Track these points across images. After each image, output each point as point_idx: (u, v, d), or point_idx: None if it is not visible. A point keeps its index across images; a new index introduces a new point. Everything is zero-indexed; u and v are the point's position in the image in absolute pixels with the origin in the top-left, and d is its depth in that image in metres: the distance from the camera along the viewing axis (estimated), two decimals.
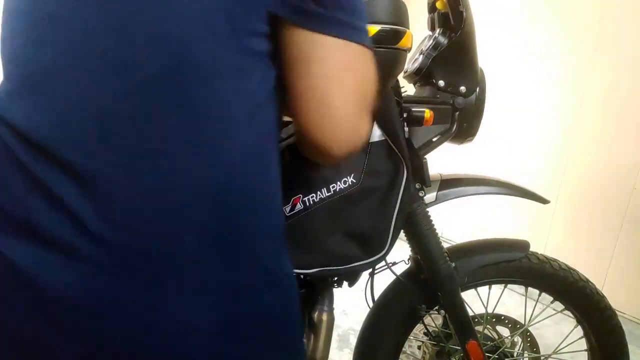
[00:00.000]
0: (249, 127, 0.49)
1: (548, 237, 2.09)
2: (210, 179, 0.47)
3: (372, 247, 0.90)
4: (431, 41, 1.01)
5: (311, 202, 0.88)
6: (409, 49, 0.73)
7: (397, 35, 0.67)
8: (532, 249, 1.16)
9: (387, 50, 0.67)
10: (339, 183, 0.88)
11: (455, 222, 2.48)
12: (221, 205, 0.48)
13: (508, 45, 2.06)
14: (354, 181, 0.89)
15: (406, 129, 0.94)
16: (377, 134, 0.90)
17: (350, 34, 0.49)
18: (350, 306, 2.02)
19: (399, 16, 0.67)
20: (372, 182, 0.89)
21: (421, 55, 1.02)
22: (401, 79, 1.11)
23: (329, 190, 0.88)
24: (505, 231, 2.24)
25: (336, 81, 0.49)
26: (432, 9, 1.03)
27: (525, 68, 2.03)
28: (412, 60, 1.08)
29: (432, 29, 1.05)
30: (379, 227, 0.89)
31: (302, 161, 0.91)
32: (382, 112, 0.89)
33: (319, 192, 0.88)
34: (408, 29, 0.69)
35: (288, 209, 0.88)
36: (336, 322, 1.92)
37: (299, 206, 0.88)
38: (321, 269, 0.90)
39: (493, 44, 2.11)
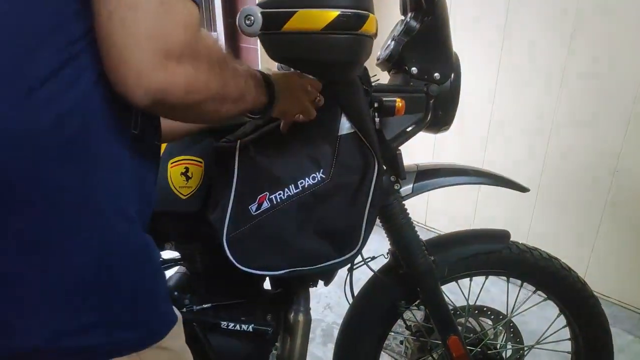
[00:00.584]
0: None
1: (531, 223, 2.07)
2: None
3: (344, 245, 0.86)
4: (402, 26, 0.96)
5: (278, 200, 0.83)
6: (374, 35, 0.67)
7: (359, 20, 0.61)
8: (515, 236, 1.13)
9: (348, 36, 0.62)
10: (307, 179, 0.83)
11: (437, 210, 2.46)
12: None
13: (484, 27, 2.02)
14: (323, 177, 0.84)
15: (377, 119, 0.89)
16: (345, 127, 0.86)
17: None
18: (334, 300, 1.99)
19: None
20: (343, 177, 0.84)
21: (393, 42, 0.97)
22: (374, 66, 1.06)
23: (297, 187, 0.83)
24: (488, 218, 2.23)
25: (117, 20, 0.45)
26: None
27: (502, 51, 1.99)
28: (384, 47, 1.03)
29: (404, 13, 1.00)
30: (351, 224, 0.85)
31: (270, 158, 0.86)
32: (349, 102, 0.85)
33: (286, 189, 0.83)
34: (372, 12, 0.64)
35: (254, 207, 0.83)
36: (320, 316, 1.91)
37: (265, 205, 0.83)
38: (290, 270, 0.85)
39: (467, 26, 2.07)
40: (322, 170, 0.84)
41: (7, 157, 0.45)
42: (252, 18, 0.61)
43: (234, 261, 0.83)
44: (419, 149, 2.37)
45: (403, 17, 0.99)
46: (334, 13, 0.60)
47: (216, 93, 0.55)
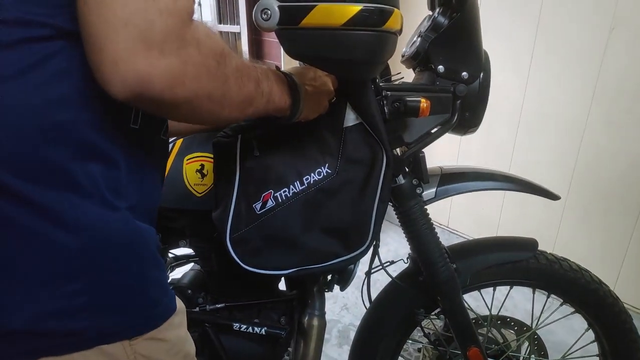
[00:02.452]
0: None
1: (558, 231, 1.99)
2: None
3: (353, 242, 0.82)
4: (430, 22, 0.91)
5: (284, 198, 0.80)
6: (399, 31, 0.63)
7: (383, 16, 0.57)
8: (542, 244, 1.07)
9: (371, 33, 0.58)
10: (313, 175, 0.80)
11: (461, 212, 2.39)
12: None
13: (517, 26, 1.94)
14: (329, 171, 0.80)
15: (386, 109, 0.84)
16: (351, 118, 0.81)
17: None
18: (351, 301, 1.96)
19: None
20: (349, 172, 0.81)
21: (419, 38, 0.92)
22: (398, 63, 1.02)
23: (302, 184, 0.80)
24: (513, 222, 2.15)
25: (93, 5, 0.42)
26: None
27: (534, 51, 1.91)
28: (410, 43, 0.99)
29: (432, 8, 0.95)
30: (359, 220, 0.81)
31: (273, 154, 0.83)
32: (354, 92, 0.80)
33: (291, 186, 0.80)
34: (397, 7, 0.60)
35: (259, 206, 0.80)
36: (336, 317, 1.88)
37: (270, 203, 0.80)
38: (298, 269, 0.82)
39: (500, 23, 1.99)
40: (327, 164, 0.80)
41: None
42: (269, 12, 0.58)
43: (238, 261, 0.81)
44: (443, 151, 2.31)
45: (431, 13, 0.94)
46: (355, 8, 0.56)
47: (210, 91, 0.51)
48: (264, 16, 0.58)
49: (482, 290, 1.09)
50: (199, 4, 3.19)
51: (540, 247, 1.07)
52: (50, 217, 0.47)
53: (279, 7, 0.58)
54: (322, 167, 0.80)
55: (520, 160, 2.07)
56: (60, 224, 0.48)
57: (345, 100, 0.82)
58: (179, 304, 0.63)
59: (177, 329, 0.62)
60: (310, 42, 0.59)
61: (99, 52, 0.43)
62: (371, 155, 0.82)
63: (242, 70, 0.56)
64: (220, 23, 3.15)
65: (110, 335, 0.53)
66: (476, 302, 1.14)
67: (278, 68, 0.72)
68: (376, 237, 0.84)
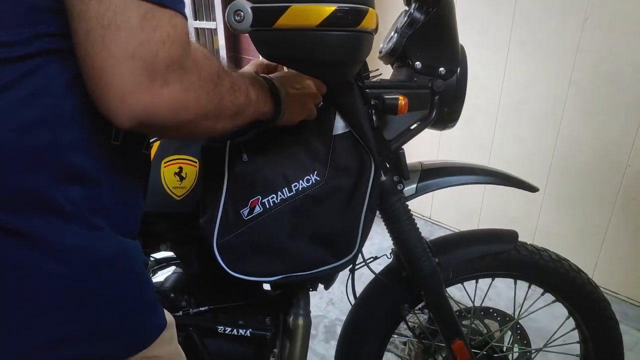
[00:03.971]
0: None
1: (538, 221, 2.02)
2: None
3: (341, 250, 0.82)
4: (406, 17, 0.91)
5: (271, 204, 0.79)
6: (374, 30, 0.63)
7: (358, 16, 0.57)
8: (522, 233, 1.09)
9: (347, 33, 0.57)
10: (301, 181, 0.79)
11: (443, 204, 2.41)
12: None
13: (493, 18, 1.95)
14: (318, 179, 0.80)
15: (374, 117, 0.84)
16: (340, 126, 0.81)
17: None
18: (337, 296, 1.96)
19: None
20: (338, 179, 0.80)
21: (396, 34, 0.92)
22: (376, 60, 1.01)
23: (290, 190, 0.79)
24: (496, 212, 2.18)
25: (96, 39, 0.42)
26: None
27: (510, 43, 1.93)
28: (387, 39, 0.98)
29: (408, 4, 0.94)
30: (347, 228, 0.81)
31: (261, 160, 0.82)
32: (343, 100, 0.80)
33: (279, 193, 0.79)
34: (371, 7, 0.59)
35: (246, 212, 0.79)
36: (322, 312, 1.89)
37: (257, 209, 0.79)
38: (285, 275, 0.82)
39: (476, 16, 2.00)
40: (316, 172, 0.80)
41: None
42: (242, 13, 0.57)
43: (225, 267, 0.80)
44: (423, 146, 2.32)
45: (407, 8, 0.94)
46: (330, 8, 0.55)
47: (209, 111, 0.52)
48: (237, 18, 0.57)
49: (465, 283, 1.11)
50: None
51: (521, 237, 1.08)
52: (34, 245, 0.46)
53: (252, 8, 0.57)
54: (311, 175, 0.80)
55: (500, 153, 2.10)
56: (45, 252, 0.46)
57: (334, 108, 0.82)
58: (168, 317, 0.62)
59: (168, 345, 0.61)
60: (284, 43, 0.58)
61: (105, 85, 0.43)
62: (360, 164, 0.82)
63: (234, 85, 0.57)
64: (196, 19, 3.11)
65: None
66: (460, 292, 1.15)
67: (257, 73, 0.72)
68: (363, 244, 0.84)
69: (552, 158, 1.92)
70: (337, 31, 0.57)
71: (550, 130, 1.90)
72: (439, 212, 2.45)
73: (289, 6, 0.55)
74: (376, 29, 0.64)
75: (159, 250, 1.05)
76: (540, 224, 2.03)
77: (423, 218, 2.47)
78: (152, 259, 1.14)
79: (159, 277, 1.11)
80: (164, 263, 1.14)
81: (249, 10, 0.57)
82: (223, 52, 2.89)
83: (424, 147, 2.32)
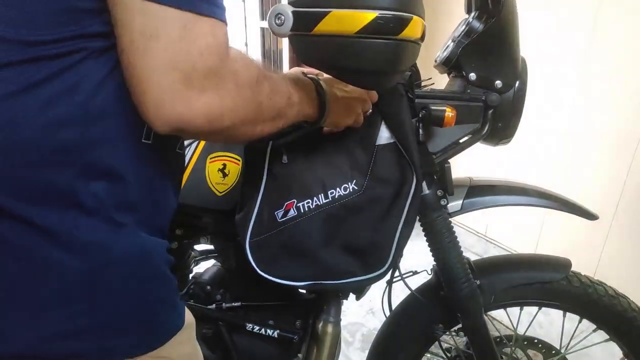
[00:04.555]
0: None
1: (603, 249, 1.87)
2: None
3: (371, 263, 0.80)
4: (465, 26, 0.87)
5: (306, 209, 0.78)
6: (420, 39, 0.60)
7: (400, 24, 0.54)
8: (583, 264, 1.01)
9: (387, 41, 0.55)
10: (338, 189, 0.78)
11: (500, 221, 2.30)
12: None
13: (567, 28, 1.83)
14: (356, 188, 0.78)
15: (421, 131, 0.81)
16: (384, 136, 0.79)
17: None
18: (377, 305, 1.92)
19: (403, 0, 0.55)
20: (377, 191, 0.78)
21: (452, 43, 0.88)
22: (432, 68, 0.98)
23: (327, 197, 0.78)
24: (554, 238, 2.04)
25: (139, 50, 0.43)
26: None
27: (586, 52, 1.80)
28: (444, 48, 0.95)
29: (469, 11, 0.90)
30: (381, 242, 0.79)
31: (301, 163, 0.81)
32: (390, 110, 0.78)
33: (315, 198, 0.78)
34: (417, 14, 0.56)
35: (280, 214, 0.79)
36: (361, 320, 1.86)
37: (292, 212, 0.79)
38: (313, 282, 0.81)
39: (549, 25, 1.88)
40: (354, 181, 0.78)
41: None
42: (283, 17, 0.56)
43: (255, 266, 0.80)
44: (476, 160, 2.22)
45: (467, 16, 0.90)
46: (370, 15, 0.53)
47: (246, 117, 0.53)
48: (278, 21, 0.57)
49: (507, 310, 1.04)
50: (243, 0, 3.22)
51: (583, 266, 1.01)
52: (52, 239, 0.47)
53: (293, 12, 0.56)
54: (349, 183, 0.78)
55: (563, 175, 1.96)
56: (62, 245, 0.48)
57: (380, 117, 0.80)
58: (188, 317, 0.63)
59: (182, 345, 0.61)
60: (322, 49, 0.57)
61: (143, 94, 0.45)
62: (401, 177, 0.79)
63: (274, 88, 0.58)
64: (262, 20, 3.17)
65: (112, 355, 0.53)
66: (513, 317, 1.09)
67: (304, 74, 0.72)
68: (397, 259, 0.81)
69: (624, 186, 1.77)
70: (376, 39, 0.55)
71: (623, 156, 1.75)
72: (495, 230, 2.34)
73: (330, 11, 0.54)
74: (423, 38, 0.62)
75: (199, 243, 1.07)
76: (604, 254, 1.88)
77: (477, 234, 2.37)
78: (197, 249, 1.18)
79: (200, 268, 1.14)
80: (205, 255, 1.17)
81: (290, 14, 0.56)
82: (286, 53, 2.93)
83: (477, 162, 2.22)
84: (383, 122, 0.79)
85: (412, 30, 0.56)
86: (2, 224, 0.46)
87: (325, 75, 0.75)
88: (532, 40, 1.88)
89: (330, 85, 0.72)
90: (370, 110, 0.80)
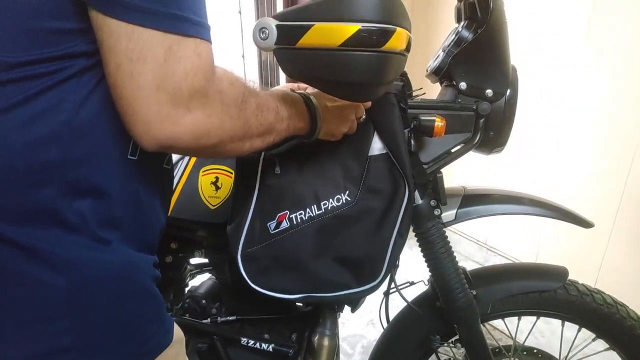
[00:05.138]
0: None
1: (604, 257, 1.85)
2: None
3: (365, 275, 0.79)
4: (454, 35, 0.87)
5: (299, 220, 0.78)
6: (404, 51, 0.60)
7: (383, 36, 0.54)
8: (584, 272, 1.00)
9: (371, 54, 0.55)
10: (331, 200, 0.78)
11: (501, 230, 2.28)
12: None
13: (561, 32, 1.83)
14: (349, 199, 0.78)
15: (412, 141, 0.81)
16: (377, 147, 0.79)
17: (144, 19, 0.44)
18: (377, 316, 1.91)
19: (387, 12, 0.54)
20: (369, 202, 0.78)
21: (442, 52, 0.88)
22: (424, 78, 0.98)
23: (319, 208, 0.78)
24: (555, 247, 2.03)
25: (125, 72, 0.44)
26: None
27: (581, 57, 1.79)
28: (435, 57, 0.95)
29: (458, 21, 0.91)
30: (374, 254, 0.78)
31: (294, 174, 0.81)
32: (383, 120, 0.78)
33: (308, 209, 0.78)
34: (401, 26, 0.56)
35: (273, 225, 0.79)
36: (362, 332, 1.84)
37: (284, 224, 0.78)
38: (306, 295, 0.80)
39: (535, 32, 1.88)
40: (347, 192, 0.78)
41: None
42: (267, 31, 0.56)
43: (247, 279, 0.80)
44: (468, 170, 2.21)
45: (457, 26, 0.90)
46: (353, 28, 0.53)
47: (234, 134, 0.54)
48: (262, 35, 0.57)
49: (505, 320, 1.03)
50: (240, 13, 3.21)
51: (583, 276, 0.99)
52: (36, 256, 0.47)
53: (277, 26, 0.56)
54: (342, 194, 0.78)
55: (561, 183, 1.95)
56: (46, 263, 0.48)
57: (372, 128, 0.81)
58: (177, 333, 0.62)
59: None
60: (307, 62, 0.57)
61: (132, 114, 0.46)
62: (393, 188, 0.79)
63: (261, 105, 0.58)
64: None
65: None
66: (512, 326, 1.07)
67: (293, 90, 0.72)
68: (390, 271, 0.80)
69: (623, 192, 1.76)
70: (360, 51, 0.55)
71: (622, 161, 1.74)
72: (496, 238, 2.32)
73: (313, 25, 0.54)
74: (408, 49, 0.62)
75: (193, 256, 1.07)
76: (605, 262, 1.86)
77: (478, 243, 2.35)
78: (192, 263, 1.17)
79: (197, 281, 1.14)
80: (200, 268, 1.16)
81: (274, 28, 0.56)
82: None
83: (471, 171, 2.21)
84: (375, 133, 0.79)
85: (396, 42, 0.56)
86: None
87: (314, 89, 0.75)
88: (526, 46, 1.88)
89: (319, 97, 0.72)
90: (364, 117, 0.80)
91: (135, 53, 0.44)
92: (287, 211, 0.78)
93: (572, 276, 0.99)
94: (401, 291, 0.96)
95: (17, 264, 0.47)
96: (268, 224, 0.79)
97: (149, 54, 0.44)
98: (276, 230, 0.79)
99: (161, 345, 0.58)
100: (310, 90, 0.74)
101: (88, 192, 0.50)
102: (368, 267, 0.79)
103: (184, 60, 0.46)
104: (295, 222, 0.78)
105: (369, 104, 0.79)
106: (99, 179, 0.50)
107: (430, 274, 0.99)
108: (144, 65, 0.44)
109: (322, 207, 0.78)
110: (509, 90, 0.86)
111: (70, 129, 0.47)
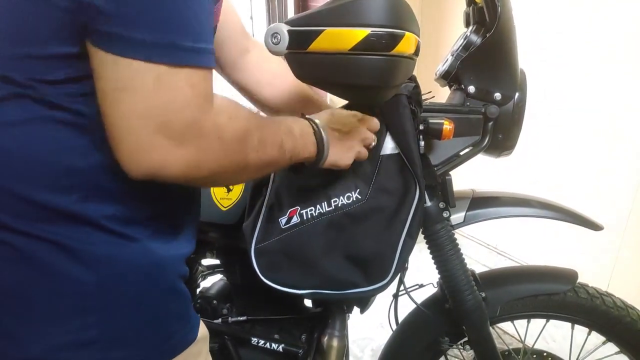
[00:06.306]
0: None
1: (616, 260, 1.84)
2: None
3: (373, 274, 0.80)
4: (462, 40, 0.88)
5: (309, 216, 0.80)
6: (413, 55, 0.61)
7: (392, 40, 0.56)
8: (596, 276, 0.99)
9: (380, 57, 0.56)
10: (341, 197, 0.79)
11: (512, 234, 2.27)
12: None
13: (570, 29, 1.82)
14: (359, 197, 0.79)
15: (422, 143, 0.82)
16: (389, 147, 0.80)
17: (130, 51, 0.43)
18: (387, 319, 1.91)
19: (395, 17, 0.56)
20: (380, 200, 0.79)
21: (451, 56, 0.90)
22: (433, 82, 0.99)
23: (329, 205, 0.79)
24: (568, 251, 2.02)
25: (112, 101, 0.44)
26: (469, 1, 0.90)
27: (592, 56, 1.79)
28: (443, 61, 0.96)
29: (467, 25, 0.92)
30: (383, 253, 0.79)
31: (306, 171, 0.82)
32: (395, 121, 0.79)
33: (318, 206, 0.80)
34: (409, 31, 0.58)
35: (284, 220, 0.81)
36: (371, 334, 1.84)
37: (295, 219, 0.80)
38: (313, 291, 0.81)
39: (541, 31, 1.87)
40: (358, 190, 0.79)
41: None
42: (279, 36, 0.58)
43: (259, 272, 0.81)
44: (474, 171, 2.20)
45: (465, 30, 0.91)
46: (363, 32, 0.55)
47: (228, 168, 0.52)
48: (274, 40, 0.59)
49: (515, 323, 1.03)
50: None
51: (595, 279, 0.99)
52: (65, 253, 0.49)
53: (289, 31, 0.58)
54: (352, 192, 0.79)
55: (567, 184, 1.94)
56: (75, 259, 0.50)
57: (384, 128, 0.81)
58: (201, 330, 0.64)
59: (195, 358, 0.62)
60: (318, 66, 0.58)
61: (119, 142, 0.45)
62: (404, 188, 0.80)
63: (265, 140, 0.56)
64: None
65: None
66: (522, 330, 1.07)
67: (303, 115, 0.70)
68: (399, 271, 0.81)
69: (636, 192, 1.74)
70: (370, 55, 0.56)
71: (634, 161, 1.73)
72: (506, 242, 2.31)
73: (324, 30, 0.56)
74: (417, 53, 0.63)
75: (205, 257, 1.09)
76: (618, 265, 1.85)
77: (488, 247, 2.34)
78: (204, 264, 1.19)
79: (208, 282, 1.16)
80: (211, 269, 1.18)
81: (286, 33, 0.58)
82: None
83: (480, 174, 2.21)
84: (388, 133, 0.80)
85: (405, 46, 0.57)
86: (21, 241, 0.48)
87: (324, 113, 0.74)
88: (529, 45, 1.88)
89: (329, 124, 0.70)
90: (375, 143, 0.79)
91: (121, 82, 0.43)
92: (298, 207, 0.80)
93: (584, 279, 0.99)
94: (410, 293, 0.97)
95: (51, 260, 0.49)
96: (279, 219, 0.81)
97: (136, 84, 0.43)
98: (287, 225, 0.80)
99: (185, 342, 0.60)
100: (323, 116, 0.72)
101: (113, 197, 0.52)
102: (377, 266, 0.79)
103: (175, 91, 0.44)
104: (305, 218, 0.80)
105: (376, 128, 0.78)
106: (122, 185, 0.51)
107: (439, 276, 1.00)
108: (133, 95, 0.43)
109: (332, 204, 0.79)
110: (517, 94, 0.87)
111: (94, 139, 0.49)
